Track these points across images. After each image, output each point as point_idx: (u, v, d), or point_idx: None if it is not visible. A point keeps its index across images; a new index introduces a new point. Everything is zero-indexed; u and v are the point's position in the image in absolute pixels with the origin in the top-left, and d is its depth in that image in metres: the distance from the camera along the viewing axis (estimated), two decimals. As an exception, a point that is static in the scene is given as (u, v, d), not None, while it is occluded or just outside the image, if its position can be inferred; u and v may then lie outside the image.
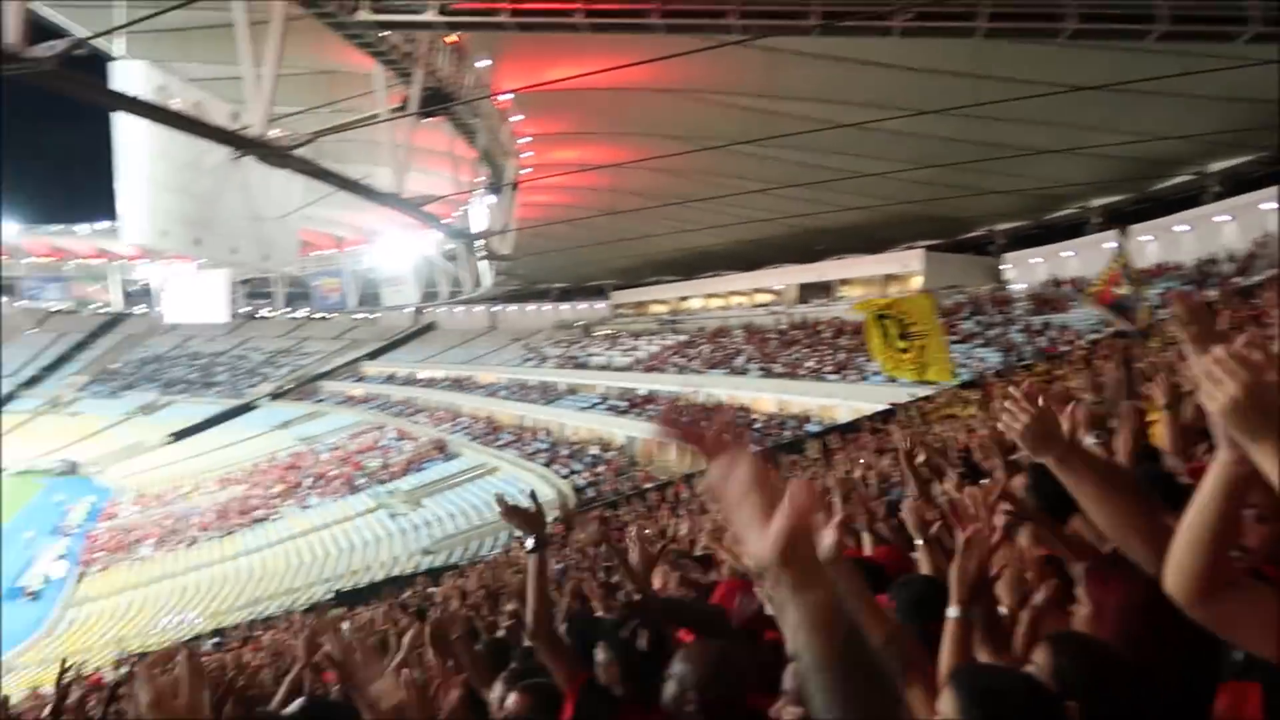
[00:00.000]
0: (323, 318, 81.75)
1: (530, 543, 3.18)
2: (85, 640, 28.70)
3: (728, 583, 3.56)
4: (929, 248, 40.83)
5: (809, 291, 44.98)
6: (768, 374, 36.35)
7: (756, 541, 1.18)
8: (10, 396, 73.86)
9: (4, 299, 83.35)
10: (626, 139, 29.81)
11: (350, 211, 48.05)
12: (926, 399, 21.23)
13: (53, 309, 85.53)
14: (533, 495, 3.36)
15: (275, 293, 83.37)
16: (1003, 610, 2.55)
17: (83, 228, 77.88)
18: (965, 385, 20.77)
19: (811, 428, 29.10)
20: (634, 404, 40.47)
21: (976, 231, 41.49)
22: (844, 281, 43.96)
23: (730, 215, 33.10)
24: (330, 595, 26.87)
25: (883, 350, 10.15)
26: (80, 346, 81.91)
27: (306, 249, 59.91)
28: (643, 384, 41.97)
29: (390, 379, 64.29)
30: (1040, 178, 29.86)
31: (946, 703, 1.58)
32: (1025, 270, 37.74)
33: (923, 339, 9.81)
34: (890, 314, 10.07)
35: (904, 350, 9.82)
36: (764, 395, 35.23)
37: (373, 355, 71.83)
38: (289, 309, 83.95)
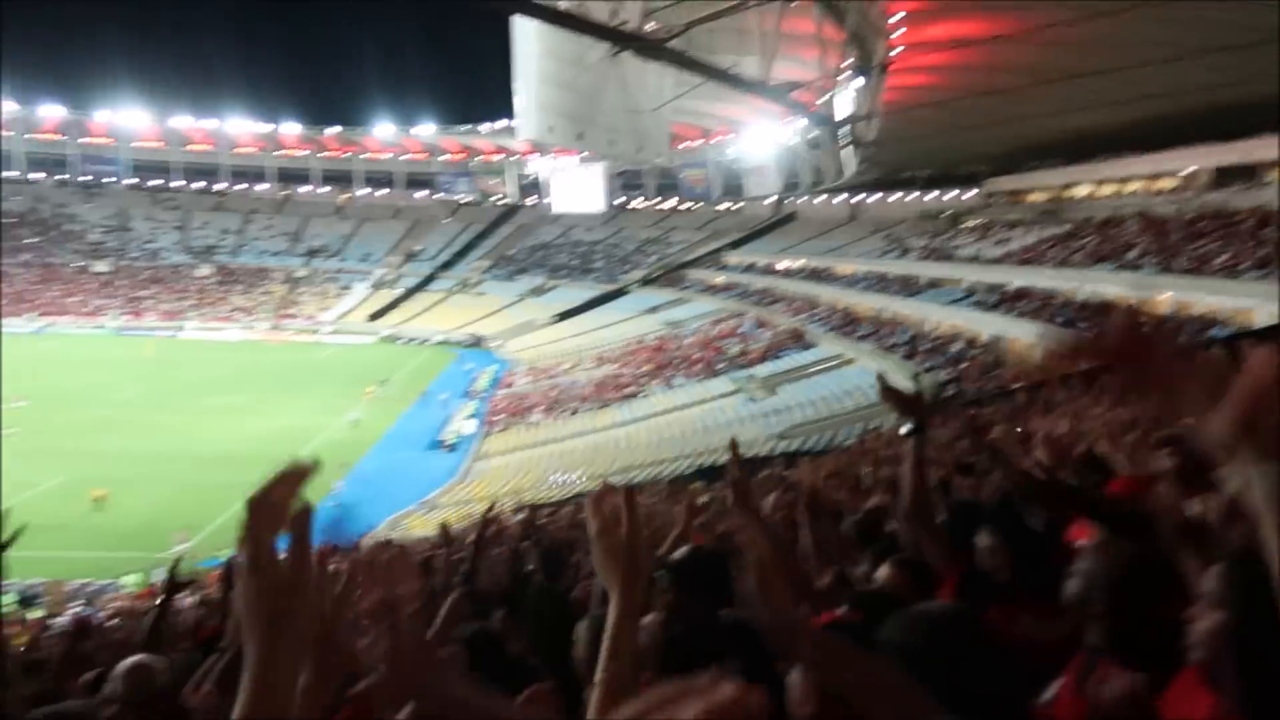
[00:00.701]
0: (688, 208, 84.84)
1: (909, 426, 3.11)
2: (489, 489, 33.22)
3: (1124, 479, 3.24)
4: (1404, 120, 33.10)
5: (1227, 176, 38.71)
6: (1166, 269, 32.17)
7: (1210, 419, 1.05)
8: (431, 278, 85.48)
9: (421, 193, 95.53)
10: (1007, 9, 27.06)
11: (717, 103, 48.76)
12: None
13: (463, 201, 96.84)
14: (915, 378, 3.30)
15: (646, 184, 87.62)
16: None
17: (486, 127, 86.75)
18: None
19: (1217, 332, 25.46)
20: (1004, 299, 37.88)
21: None
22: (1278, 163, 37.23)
23: (1129, 90, 29.10)
24: (691, 470, 28.62)
25: None
26: (483, 235, 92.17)
27: (675, 141, 61.89)
28: (1015, 278, 39.06)
29: (750, 268, 65.55)
30: None
31: None
32: None
33: None
34: None
35: None
36: (1160, 294, 31.28)
37: (734, 245, 73.53)
38: (658, 199, 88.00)
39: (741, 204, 77.40)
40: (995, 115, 33.39)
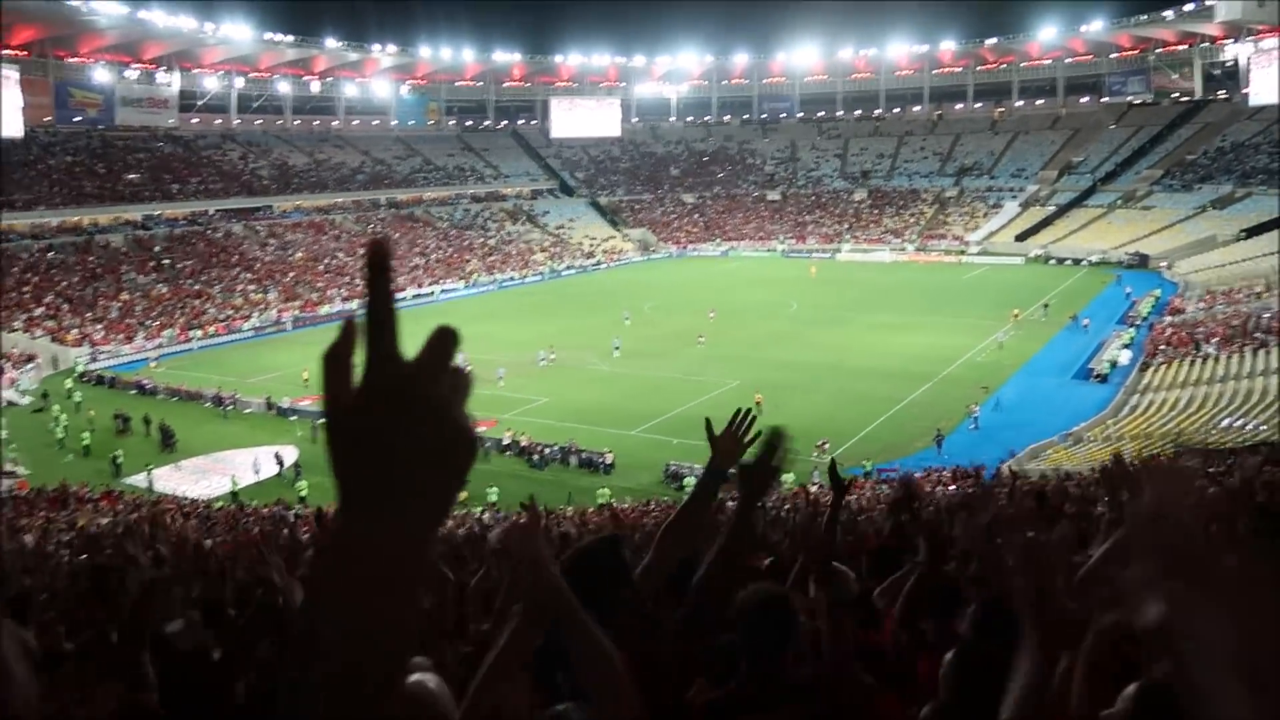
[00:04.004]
0: None
1: None
2: (1144, 426, 30.11)
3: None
4: None
5: None
6: None
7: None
8: (1090, 192, 78.69)
9: (1084, 98, 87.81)
10: None
11: None
12: None
13: (1133, 102, 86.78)
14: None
15: (1391, 59, 68.95)
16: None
17: (1170, 13, 76.49)
18: None
19: None
20: None
21: None
22: None
23: None
24: None
25: None
26: (1156, 139, 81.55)
27: None
28: None
29: None
30: None
31: None
32: None
33: None
34: None
35: None
36: None
37: None
38: None
39: None
40: None
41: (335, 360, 0.73)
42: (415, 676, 2.22)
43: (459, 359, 0.76)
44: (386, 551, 0.72)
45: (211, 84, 79.32)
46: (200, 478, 29.00)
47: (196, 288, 55.15)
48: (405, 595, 0.72)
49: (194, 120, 77.84)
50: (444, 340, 0.75)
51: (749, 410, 3.14)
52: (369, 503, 0.73)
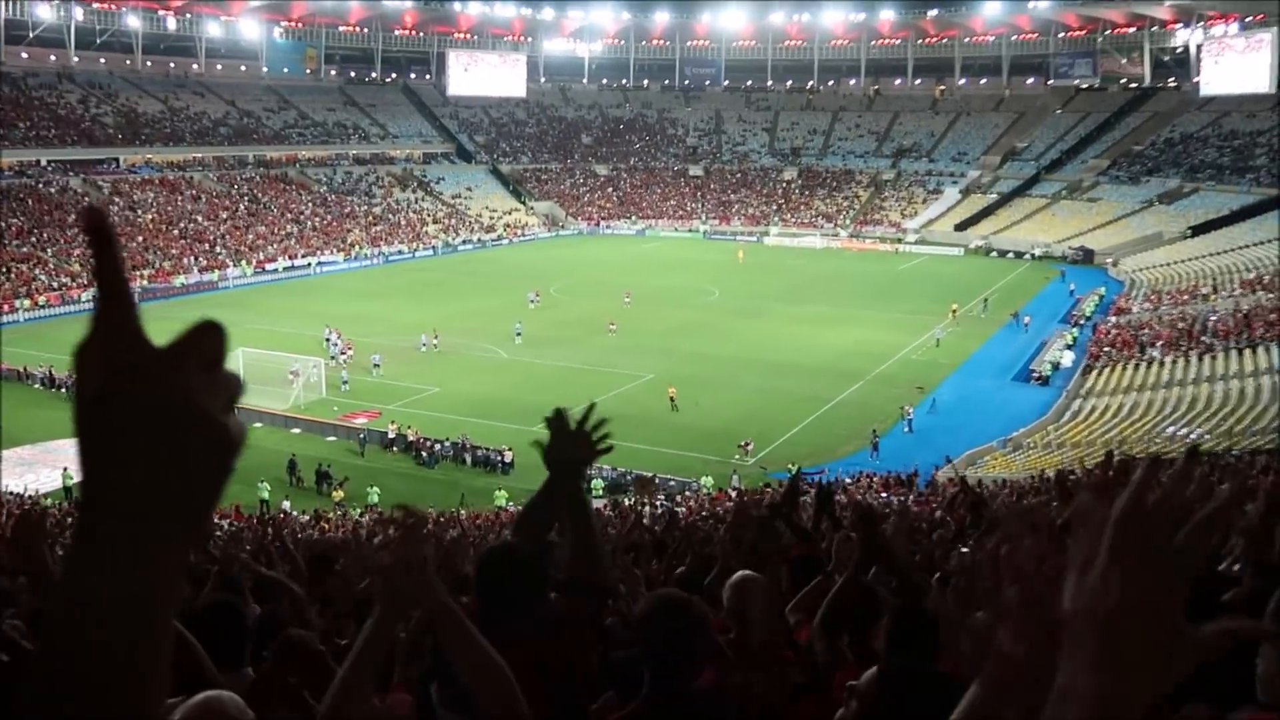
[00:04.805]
0: None
1: None
2: (1086, 434, 31.27)
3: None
4: None
5: None
6: None
7: None
8: (1034, 180, 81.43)
9: (1029, 79, 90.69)
10: None
11: None
12: None
13: (1080, 86, 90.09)
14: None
15: (1342, 54, 73.17)
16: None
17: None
18: None
19: None
20: None
21: None
22: None
23: None
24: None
25: None
26: (1104, 127, 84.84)
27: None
28: None
29: None
30: None
31: None
32: None
33: None
34: None
35: None
36: None
37: None
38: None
39: None
40: None
41: (85, 354, 0.71)
42: (211, 691, 2.34)
43: (231, 360, 0.76)
44: (126, 557, 0.71)
45: (45, 13, 75.41)
46: (26, 470, 27.57)
47: (25, 250, 52.55)
48: (151, 601, 0.72)
49: (23, 55, 74.07)
50: (204, 333, 0.74)
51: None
52: (109, 502, 0.71)
